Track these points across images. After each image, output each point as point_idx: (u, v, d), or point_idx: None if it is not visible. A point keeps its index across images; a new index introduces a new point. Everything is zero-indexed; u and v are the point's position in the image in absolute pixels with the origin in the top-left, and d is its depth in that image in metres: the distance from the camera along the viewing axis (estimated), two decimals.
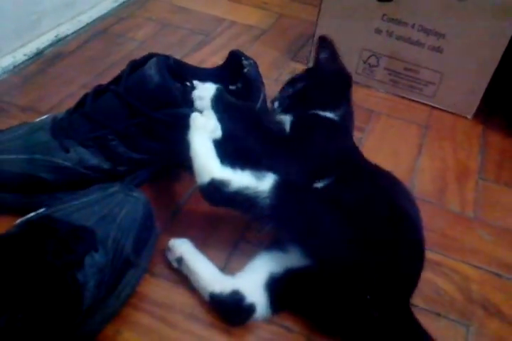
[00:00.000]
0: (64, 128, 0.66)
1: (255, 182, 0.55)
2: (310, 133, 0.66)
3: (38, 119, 0.69)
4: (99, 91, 0.67)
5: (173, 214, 0.69)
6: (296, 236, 0.55)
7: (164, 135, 0.66)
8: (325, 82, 0.74)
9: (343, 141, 0.69)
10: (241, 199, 0.55)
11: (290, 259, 0.56)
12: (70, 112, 0.67)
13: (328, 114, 0.70)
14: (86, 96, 0.68)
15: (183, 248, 0.61)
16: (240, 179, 0.55)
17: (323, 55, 0.75)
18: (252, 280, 0.57)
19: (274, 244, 0.60)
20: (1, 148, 0.64)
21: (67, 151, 0.64)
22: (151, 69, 0.64)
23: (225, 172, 0.56)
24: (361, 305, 0.53)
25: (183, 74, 0.69)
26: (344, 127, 0.72)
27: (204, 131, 0.59)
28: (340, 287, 0.53)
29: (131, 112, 0.64)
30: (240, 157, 0.59)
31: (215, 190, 0.55)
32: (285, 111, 0.72)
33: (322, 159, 0.63)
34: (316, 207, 0.55)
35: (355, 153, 0.69)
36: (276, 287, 0.56)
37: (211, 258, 0.61)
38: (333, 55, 0.76)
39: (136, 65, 0.67)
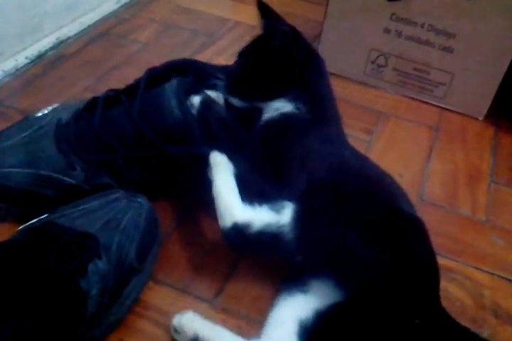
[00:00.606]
0: (70, 140, 0.63)
1: (275, 217, 0.53)
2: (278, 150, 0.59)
3: (39, 114, 0.67)
4: (110, 98, 0.64)
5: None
6: (326, 264, 0.53)
7: (177, 169, 0.64)
8: (270, 58, 0.61)
9: (320, 144, 0.60)
10: (265, 240, 0.53)
11: (315, 299, 0.53)
12: (77, 117, 0.64)
13: (286, 105, 0.60)
14: (94, 100, 0.65)
15: (195, 325, 0.54)
16: (261, 217, 0.53)
17: (267, 22, 0.64)
18: (282, 336, 0.53)
19: (291, 286, 0.56)
20: (3, 157, 0.62)
21: (74, 169, 0.62)
22: (171, 100, 0.60)
23: (246, 213, 0.54)
24: (404, 320, 0.51)
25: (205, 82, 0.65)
26: (315, 122, 0.61)
27: (225, 168, 0.57)
28: (381, 310, 0.51)
29: (143, 140, 0.61)
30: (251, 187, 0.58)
31: (238, 235, 0.53)
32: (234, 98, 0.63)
33: (310, 176, 0.58)
34: (340, 228, 0.52)
35: (344, 154, 0.62)
36: (310, 335, 0.52)
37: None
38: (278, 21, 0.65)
39: (155, 74, 0.63)
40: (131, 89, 0.63)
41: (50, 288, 0.47)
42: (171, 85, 0.61)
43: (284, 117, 0.59)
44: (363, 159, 0.64)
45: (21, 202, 0.63)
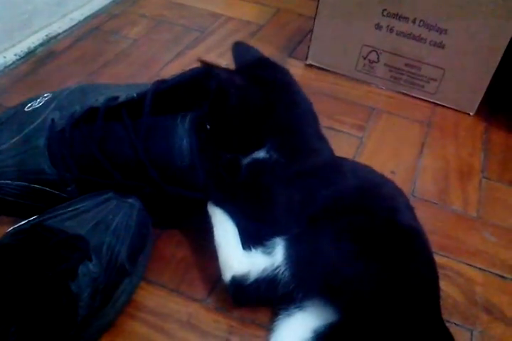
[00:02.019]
0: (64, 156, 0.59)
1: (269, 260, 0.53)
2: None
3: (30, 108, 0.63)
4: (110, 108, 0.59)
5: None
6: (320, 288, 0.52)
7: (172, 206, 0.62)
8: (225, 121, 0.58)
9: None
10: (264, 286, 0.53)
11: (313, 319, 0.53)
12: (72, 124, 0.60)
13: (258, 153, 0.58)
14: (93, 110, 0.60)
15: None
16: (256, 265, 0.54)
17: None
18: None
19: (288, 305, 0.55)
20: None
21: (68, 186, 0.61)
22: (183, 141, 0.56)
23: (242, 264, 0.55)
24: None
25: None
26: (289, 164, 0.58)
27: (223, 216, 0.58)
28: (379, 329, 0.51)
29: (142, 173, 0.58)
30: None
31: (238, 288, 0.54)
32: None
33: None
34: (332, 252, 0.53)
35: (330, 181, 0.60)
36: None
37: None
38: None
39: (164, 88, 0.59)
40: (135, 103, 0.59)
41: (39, 291, 0.46)
42: (184, 123, 0.57)
43: (257, 163, 0.58)
44: (354, 171, 0.62)
45: (12, 211, 0.62)
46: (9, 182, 0.60)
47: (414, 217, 0.61)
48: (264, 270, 0.53)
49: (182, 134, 0.56)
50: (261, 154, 0.56)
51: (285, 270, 0.52)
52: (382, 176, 0.64)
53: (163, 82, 0.59)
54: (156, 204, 0.60)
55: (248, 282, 0.54)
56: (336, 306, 0.52)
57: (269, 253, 0.54)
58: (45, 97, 0.64)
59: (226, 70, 0.57)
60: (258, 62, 0.61)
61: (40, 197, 0.62)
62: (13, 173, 0.60)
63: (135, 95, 0.59)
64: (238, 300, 0.57)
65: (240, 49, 0.62)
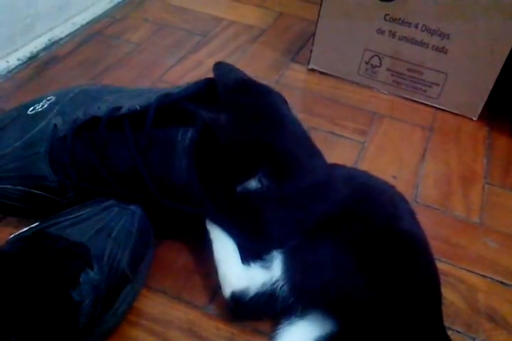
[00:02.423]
0: (65, 163, 0.59)
1: (267, 274, 0.54)
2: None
3: (33, 111, 0.63)
4: (113, 119, 0.59)
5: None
6: (320, 303, 0.53)
7: (171, 218, 0.62)
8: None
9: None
10: (263, 301, 0.53)
11: (314, 327, 0.53)
12: (73, 131, 0.60)
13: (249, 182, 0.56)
14: (96, 119, 0.59)
15: None
16: (255, 280, 0.54)
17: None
18: None
19: (289, 315, 0.55)
20: None
21: (68, 192, 0.61)
22: (181, 160, 0.56)
23: (241, 280, 0.55)
24: None
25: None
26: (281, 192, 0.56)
27: (222, 232, 0.58)
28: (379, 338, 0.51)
29: (140, 184, 0.58)
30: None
31: (238, 304, 0.54)
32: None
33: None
34: (329, 265, 0.53)
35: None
36: None
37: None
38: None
39: (167, 102, 0.58)
40: (137, 115, 0.58)
41: (40, 300, 0.46)
42: (185, 140, 0.56)
43: (249, 192, 0.56)
44: (352, 179, 0.62)
45: (13, 214, 0.62)
46: (9, 186, 0.61)
47: (415, 223, 0.61)
48: (263, 284, 0.53)
49: (181, 153, 0.56)
50: (252, 183, 0.55)
51: (284, 284, 0.53)
52: (381, 182, 0.64)
53: (166, 95, 0.59)
54: (155, 214, 0.60)
55: (248, 297, 0.54)
56: (335, 318, 0.52)
57: (267, 268, 0.54)
58: (49, 100, 0.64)
59: (207, 109, 0.55)
60: (240, 85, 0.59)
61: (40, 202, 0.62)
62: (13, 178, 0.60)
63: (138, 107, 0.58)
64: (238, 315, 0.57)
65: (221, 69, 0.60)
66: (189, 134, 0.57)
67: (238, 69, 0.62)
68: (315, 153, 0.60)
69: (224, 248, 0.58)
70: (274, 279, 0.53)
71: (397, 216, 0.59)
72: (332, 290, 0.52)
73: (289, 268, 0.53)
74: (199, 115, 0.55)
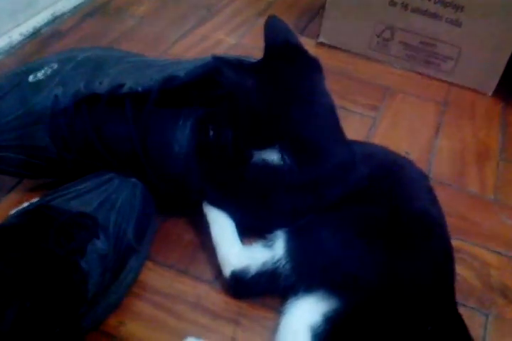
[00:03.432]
0: (65, 137, 0.59)
1: (269, 253, 0.53)
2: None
3: (34, 79, 0.61)
4: (114, 97, 0.57)
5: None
6: (324, 282, 0.51)
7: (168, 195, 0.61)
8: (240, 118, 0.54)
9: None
10: (265, 280, 0.53)
11: (321, 303, 0.51)
12: (74, 104, 0.58)
13: (271, 155, 0.54)
14: (96, 96, 0.58)
15: None
16: (256, 259, 0.54)
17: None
18: None
19: (296, 290, 0.53)
20: None
21: (67, 164, 0.61)
22: (181, 150, 0.56)
23: (241, 260, 0.55)
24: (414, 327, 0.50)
25: None
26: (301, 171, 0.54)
27: (219, 213, 0.58)
28: (387, 315, 0.50)
29: (137, 164, 0.57)
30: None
31: (238, 283, 0.54)
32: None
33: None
34: (334, 245, 0.52)
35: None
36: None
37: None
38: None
39: (171, 86, 0.56)
40: (139, 96, 0.57)
41: (50, 269, 0.46)
42: (186, 126, 0.56)
43: (268, 167, 0.54)
44: (371, 156, 0.61)
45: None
46: (12, 155, 0.60)
47: (432, 201, 0.59)
48: (264, 263, 0.53)
49: (181, 140, 0.56)
50: (273, 157, 0.53)
51: (286, 263, 0.52)
52: (399, 159, 0.62)
53: (170, 79, 0.57)
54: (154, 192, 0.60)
55: (248, 276, 0.54)
56: (340, 296, 0.51)
57: (269, 247, 0.54)
58: (51, 67, 0.62)
59: (236, 71, 0.53)
60: (284, 49, 0.56)
61: (40, 171, 0.62)
62: (15, 147, 0.60)
63: (140, 89, 0.57)
64: (238, 294, 0.56)
65: (271, 26, 0.57)
66: (190, 120, 0.56)
67: (289, 30, 0.58)
68: (339, 135, 0.58)
69: (221, 229, 0.58)
70: (276, 258, 0.52)
71: (412, 195, 0.58)
72: (337, 269, 0.51)
73: (292, 247, 0.52)
74: (225, 76, 0.53)
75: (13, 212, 0.54)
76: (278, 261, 0.52)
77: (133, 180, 0.57)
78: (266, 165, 0.54)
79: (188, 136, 0.56)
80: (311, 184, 0.55)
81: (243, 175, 0.56)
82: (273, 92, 0.53)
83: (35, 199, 0.56)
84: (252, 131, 0.54)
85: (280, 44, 0.56)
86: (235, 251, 0.56)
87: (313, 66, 0.58)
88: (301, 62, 0.57)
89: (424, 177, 0.62)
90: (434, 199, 0.59)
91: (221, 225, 0.58)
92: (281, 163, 0.53)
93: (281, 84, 0.54)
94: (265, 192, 0.56)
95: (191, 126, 0.56)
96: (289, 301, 0.53)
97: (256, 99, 0.53)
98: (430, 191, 0.60)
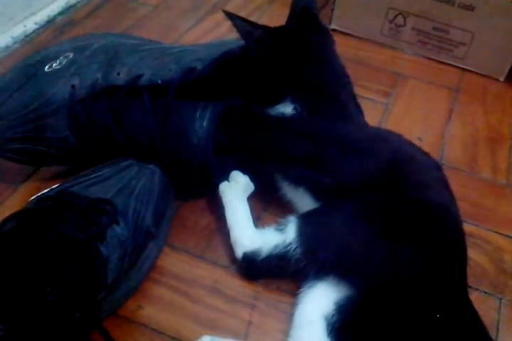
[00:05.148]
0: (84, 128, 0.60)
1: (281, 237, 0.54)
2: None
3: (49, 69, 0.61)
4: (133, 90, 0.58)
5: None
6: (334, 267, 0.52)
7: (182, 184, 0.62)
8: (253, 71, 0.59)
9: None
10: (276, 262, 0.54)
11: (334, 290, 0.52)
12: (92, 95, 0.59)
13: (285, 108, 0.59)
14: (115, 87, 0.59)
15: None
16: (268, 241, 0.55)
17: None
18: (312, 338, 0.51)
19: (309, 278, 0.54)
20: (5, 133, 0.60)
21: (86, 153, 0.62)
22: (200, 142, 0.57)
23: (254, 241, 0.56)
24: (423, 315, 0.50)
25: None
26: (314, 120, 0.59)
27: (234, 196, 0.60)
28: (398, 304, 0.51)
29: (155, 154, 0.59)
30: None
31: (250, 264, 0.56)
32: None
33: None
34: (345, 231, 0.53)
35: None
36: (338, 331, 0.51)
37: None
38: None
39: (190, 78, 0.58)
40: (158, 88, 0.58)
41: (71, 254, 0.46)
42: (203, 118, 0.58)
43: (282, 119, 0.59)
44: (386, 142, 0.61)
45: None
46: (29, 146, 0.61)
47: (444, 191, 0.59)
48: (275, 246, 0.54)
49: (199, 132, 0.57)
50: (287, 109, 0.57)
51: (297, 247, 0.53)
52: (413, 148, 0.62)
53: (190, 71, 0.58)
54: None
55: (260, 258, 0.55)
56: (351, 282, 0.51)
57: (281, 230, 0.55)
58: (66, 57, 0.62)
59: (246, 23, 0.57)
60: (303, 15, 0.62)
61: (59, 160, 0.63)
62: (33, 138, 0.60)
63: (159, 82, 0.58)
64: (250, 275, 0.57)
65: None
66: (208, 113, 0.58)
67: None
68: (349, 91, 0.62)
69: (235, 212, 0.59)
70: (287, 242, 0.53)
71: (425, 184, 0.57)
72: (347, 255, 0.52)
73: (303, 232, 0.53)
74: (234, 24, 0.56)
75: (33, 197, 0.54)
76: (289, 244, 0.53)
77: (151, 166, 0.57)
78: (282, 118, 0.58)
79: (207, 128, 0.57)
80: (323, 132, 0.58)
81: (264, 131, 0.60)
82: (283, 43, 0.59)
83: (54, 186, 0.56)
84: (265, 84, 0.59)
85: (299, 12, 0.61)
86: (248, 233, 0.57)
87: (324, 32, 0.64)
88: (313, 27, 0.62)
89: (438, 167, 0.61)
90: (446, 190, 0.59)
91: (235, 208, 0.59)
92: (293, 112, 0.58)
93: (293, 39, 0.60)
94: (282, 144, 0.59)
95: (209, 118, 0.58)
96: (301, 289, 0.54)
97: (265, 47, 0.57)
98: (444, 181, 0.59)
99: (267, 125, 0.59)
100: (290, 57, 0.59)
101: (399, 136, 0.63)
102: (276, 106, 0.59)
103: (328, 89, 0.60)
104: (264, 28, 0.59)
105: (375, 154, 0.58)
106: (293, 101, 0.59)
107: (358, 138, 0.59)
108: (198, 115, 0.58)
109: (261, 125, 0.60)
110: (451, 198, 0.58)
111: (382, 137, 0.62)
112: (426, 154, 0.62)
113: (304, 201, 0.58)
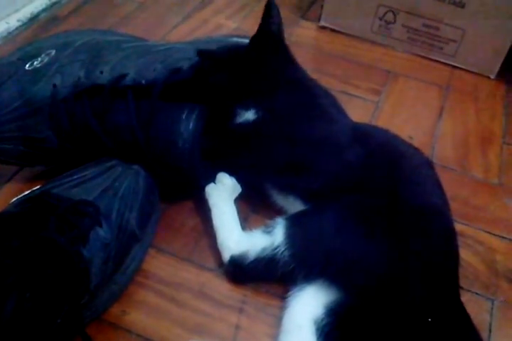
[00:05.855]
0: (65, 128, 0.58)
1: (269, 239, 0.53)
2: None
3: (31, 67, 0.60)
4: (116, 89, 0.57)
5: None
6: (323, 270, 0.51)
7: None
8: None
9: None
10: (263, 265, 0.53)
11: (323, 294, 0.52)
12: (75, 94, 0.58)
13: (247, 112, 0.59)
14: (98, 87, 0.58)
15: None
16: (255, 244, 0.54)
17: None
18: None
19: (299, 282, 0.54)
20: None
21: (68, 153, 0.61)
22: (185, 145, 0.56)
23: (241, 245, 0.55)
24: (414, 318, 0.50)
25: None
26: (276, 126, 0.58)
27: (220, 198, 0.59)
28: (388, 307, 0.50)
29: (142, 157, 0.58)
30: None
31: (237, 268, 0.55)
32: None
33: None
34: (334, 233, 0.52)
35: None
36: (327, 335, 0.50)
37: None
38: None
39: (175, 79, 0.57)
40: (142, 88, 0.57)
41: (51, 258, 0.45)
42: (189, 120, 0.57)
43: (242, 123, 0.58)
44: (375, 139, 0.60)
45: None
46: (11, 146, 0.59)
47: (434, 190, 0.58)
48: (263, 249, 0.53)
49: (185, 134, 0.56)
50: (249, 116, 0.57)
51: (285, 250, 0.52)
52: (403, 144, 0.61)
53: (175, 72, 0.57)
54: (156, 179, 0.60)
55: (247, 261, 0.54)
56: (340, 285, 0.51)
57: (269, 233, 0.54)
58: (48, 55, 0.61)
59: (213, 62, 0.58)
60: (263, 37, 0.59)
61: (41, 160, 0.62)
62: (14, 138, 0.59)
63: (143, 82, 0.57)
64: (237, 279, 0.56)
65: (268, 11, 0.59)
66: (195, 115, 0.57)
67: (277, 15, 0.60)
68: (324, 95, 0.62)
69: (222, 214, 0.58)
70: (275, 244, 0.53)
71: (415, 183, 0.57)
72: (336, 258, 0.51)
73: (291, 234, 0.53)
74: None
75: (13, 200, 0.53)
76: (277, 247, 0.52)
77: (136, 167, 0.56)
78: (248, 123, 0.57)
79: (192, 130, 0.56)
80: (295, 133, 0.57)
81: (235, 136, 0.59)
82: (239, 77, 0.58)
83: (36, 188, 0.55)
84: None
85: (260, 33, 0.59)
86: (235, 236, 0.56)
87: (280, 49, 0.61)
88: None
89: (428, 163, 0.61)
90: (437, 188, 0.58)
91: (222, 210, 0.58)
92: (254, 117, 0.57)
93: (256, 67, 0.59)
94: (254, 146, 0.58)
95: (196, 120, 0.57)
96: (290, 292, 0.54)
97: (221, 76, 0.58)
98: (434, 179, 0.59)
99: (236, 135, 0.59)
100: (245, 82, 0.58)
101: (386, 132, 0.62)
102: (241, 114, 0.58)
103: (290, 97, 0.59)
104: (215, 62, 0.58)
105: (358, 151, 0.57)
106: (254, 106, 0.58)
107: (337, 135, 0.58)
108: (184, 116, 0.57)
109: (231, 136, 0.59)
110: (443, 197, 0.58)
111: (367, 133, 0.61)
112: (416, 149, 0.61)
113: (296, 207, 0.58)
